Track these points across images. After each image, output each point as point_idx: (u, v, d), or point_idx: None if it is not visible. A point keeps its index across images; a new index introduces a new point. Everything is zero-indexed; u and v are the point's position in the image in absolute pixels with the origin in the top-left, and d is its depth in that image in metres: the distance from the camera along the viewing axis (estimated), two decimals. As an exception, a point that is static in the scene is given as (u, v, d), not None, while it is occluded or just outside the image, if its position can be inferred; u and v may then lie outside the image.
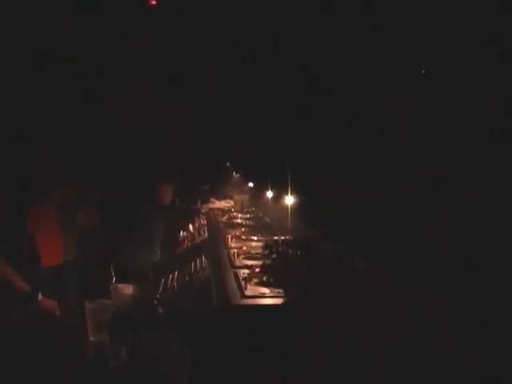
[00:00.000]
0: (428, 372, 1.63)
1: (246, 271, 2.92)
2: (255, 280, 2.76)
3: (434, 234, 1.77)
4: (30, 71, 4.03)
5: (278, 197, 4.44)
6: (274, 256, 3.13)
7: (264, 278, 2.78)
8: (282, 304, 2.45)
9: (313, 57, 2.83)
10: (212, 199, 5.92)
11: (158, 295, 2.97)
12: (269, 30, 3.40)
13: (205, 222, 5.04)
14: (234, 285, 2.72)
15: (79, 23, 4.30)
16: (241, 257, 3.32)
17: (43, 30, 4.11)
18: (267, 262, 3.02)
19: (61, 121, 4.18)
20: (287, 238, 3.72)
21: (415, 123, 1.91)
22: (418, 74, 1.84)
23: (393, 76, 2.05)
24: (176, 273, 3.34)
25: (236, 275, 2.85)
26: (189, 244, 4.56)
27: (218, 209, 5.68)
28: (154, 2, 5.20)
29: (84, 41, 4.49)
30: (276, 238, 3.76)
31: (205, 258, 3.46)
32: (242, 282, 2.68)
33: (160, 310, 2.80)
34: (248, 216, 5.35)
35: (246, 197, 6.10)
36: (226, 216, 5.28)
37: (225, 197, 6.34)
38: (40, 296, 3.16)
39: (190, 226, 5.03)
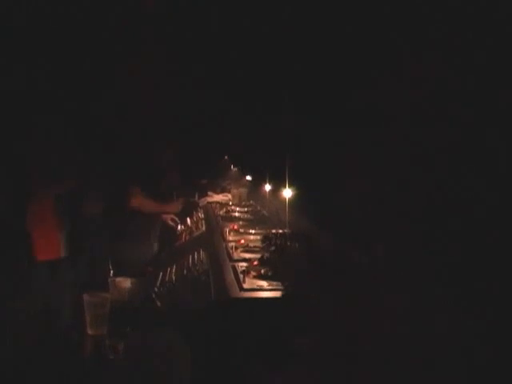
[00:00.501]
0: (431, 372, 1.62)
1: (244, 264, 2.91)
2: (253, 273, 2.76)
3: (438, 231, 1.76)
4: (31, 68, 4.02)
5: (276, 190, 4.43)
6: (273, 249, 3.12)
7: (262, 271, 2.78)
8: (281, 297, 2.44)
9: (310, 51, 2.82)
10: (210, 193, 5.91)
11: (156, 289, 2.96)
12: (267, 25, 3.39)
13: (202, 215, 5.03)
14: (232, 278, 2.71)
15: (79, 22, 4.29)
16: (239, 250, 3.31)
17: (46, 28, 4.10)
18: (266, 254, 3.01)
19: (61, 115, 4.17)
20: (286, 231, 3.72)
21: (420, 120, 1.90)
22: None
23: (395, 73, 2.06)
24: (174, 266, 3.34)
25: (234, 268, 2.85)
26: (187, 237, 4.55)
27: (216, 202, 5.68)
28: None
29: (86, 39, 4.47)
30: (274, 231, 3.76)
31: (203, 251, 3.45)
32: (240, 276, 2.67)
33: (158, 304, 2.80)
34: (246, 209, 5.35)
35: (243, 190, 6.10)
36: (224, 209, 5.28)
37: (223, 190, 6.34)
38: None
39: (188, 220, 5.03)
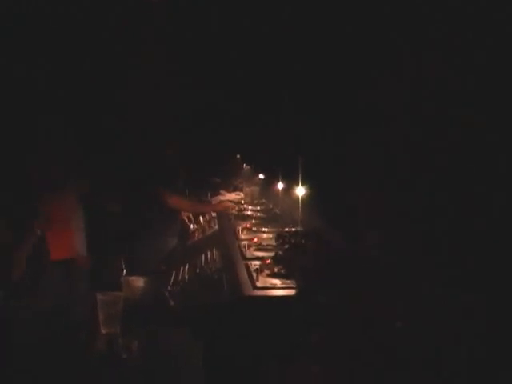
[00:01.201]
0: (444, 364, 1.63)
1: (258, 263, 2.92)
2: (267, 271, 2.77)
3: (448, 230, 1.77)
4: (31, 68, 4.05)
5: (289, 188, 4.44)
6: (287, 247, 3.12)
7: (275, 270, 2.79)
8: (294, 295, 2.45)
9: (320, 46, 2.83)
10: (222, 191, 5.92)
11: (169, 287, 2.99)
12: (275, 24, 3.40)
13: (215, 214, 5.05)
14: (246, 276, 2.73)
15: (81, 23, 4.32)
16: (252, 248, 3.32)
17: (46, 28, 4.12)
18: (279, 253, 3.02)
19: (63, 115, 4.19)
20: (299, 229, 3.72)
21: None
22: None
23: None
24: (187, 265, 3.36)
25: (247, 267, 2.86)
26: (199, 236, 4.57)
27: (229, 201, 5.69)
28: None
29: (90, 40, 4.50)
30: (287, 229, 3.76)
31: (216, 250, 3.47)
32: (254, 274, 2.69)
33: (171, 303, 2.82)
34: (258, 208, 5.35)
35: (256, 189, 6.10)
36: (237, 208, 5.28)
37: (235, 189, 6.35)
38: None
39: (201, 218, 5.04)
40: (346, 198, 2.69)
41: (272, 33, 3.46)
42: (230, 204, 5.16)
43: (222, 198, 5.72)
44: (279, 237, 3.44)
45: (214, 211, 5.08)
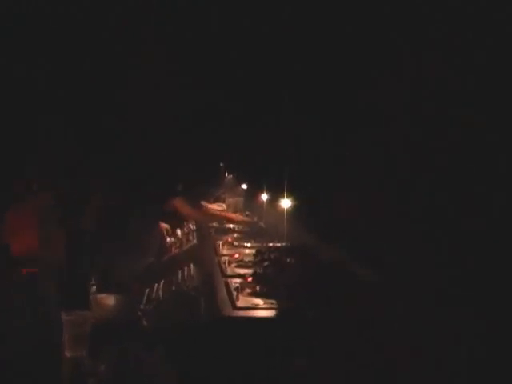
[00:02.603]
0: (444, 364, 1.64)
1: (238, 280, 2.88)
2: (248, 290, 2.72)
3: (438, 240, 1.79)
4: (31, 68, 4.06)
5: (274, 200, 4.40)
6: (266, 264, 3.09)
7: (257, 288, 2.74)
8: (277, 316, 2.41)
9: (309, 54, 2.85)
10: (203, 203, 5.87)
11: (141, 306, 2.93)
12: (264, 27, 3.40)
13: (194, 226, 5.00)
14: (225, 295, 2.68)
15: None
16: (233, 265, 3.29)
17: (46, 28, 4.14)
18: (258, 270, 2.98)
19: (77, 113, 4.20)
20: (283, 244, 3.69)
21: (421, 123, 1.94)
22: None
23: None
24: (162, 282, 3.30)
25: (227, 285, 2.81)
26: (176, 251, 4.51)
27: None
28: None
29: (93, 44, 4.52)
30: (271, 244, 3.72)
31: (193, 265, 3.42)
32: (234, 293, 2.64)
33: (144, 323, 2.77)
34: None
35: (239, 200, 6.07)
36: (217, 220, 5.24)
37: (217, 200, 6.30)
38: None
39: (178, 231, 4.98)
40: (345, 200, 2.69)
41: (272, 33, 3.47)
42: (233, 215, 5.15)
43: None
44: (258, 253, 3.40)
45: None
